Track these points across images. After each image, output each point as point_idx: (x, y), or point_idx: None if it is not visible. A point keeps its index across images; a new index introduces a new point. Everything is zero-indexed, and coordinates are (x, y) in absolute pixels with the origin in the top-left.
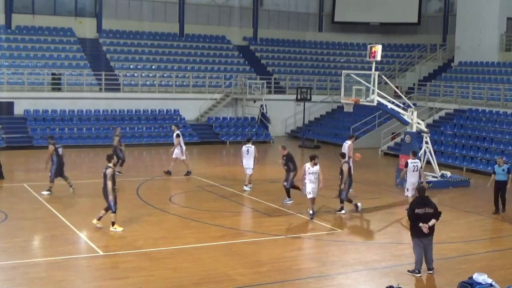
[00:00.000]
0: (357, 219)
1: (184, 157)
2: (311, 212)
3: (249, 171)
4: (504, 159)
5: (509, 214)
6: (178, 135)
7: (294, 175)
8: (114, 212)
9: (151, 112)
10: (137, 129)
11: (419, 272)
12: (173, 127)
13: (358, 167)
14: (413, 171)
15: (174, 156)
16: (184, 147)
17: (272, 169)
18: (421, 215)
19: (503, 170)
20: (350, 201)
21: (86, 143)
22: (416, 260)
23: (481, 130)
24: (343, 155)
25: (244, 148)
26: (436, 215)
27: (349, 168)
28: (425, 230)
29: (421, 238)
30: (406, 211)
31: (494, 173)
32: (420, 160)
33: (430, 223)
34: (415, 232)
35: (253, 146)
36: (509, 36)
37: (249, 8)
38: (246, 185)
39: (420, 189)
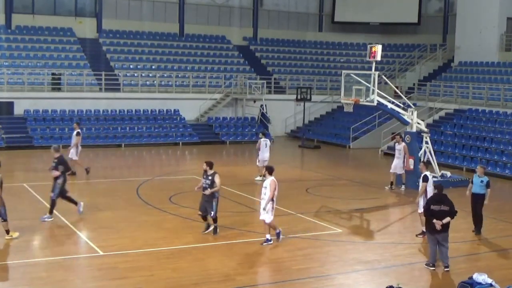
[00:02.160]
0: (357, 219)
1: (77, 158)
2: (267, 236)
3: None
4: (485, 168)
5: (508, 215)
6: (78, 133)
7: (64, 183)
8: (6, 220)
9: (151, 112)
10: (137, 129)
11: (433, 266)
12: (75, 124)
13: (358, 166)
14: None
15: (70, 156)
16: (80, 148)
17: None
18: (436, 212)
19: (482, 181)
20: (216, 220)
21: (86, 143)
22: (430, 254)
23: (481, 130)
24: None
25: (263, 142)
26: (452, 213)
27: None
28: (438, 226)
29: (435, 234)
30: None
31: (472, 182)
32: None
33: (444, 221)
34: (429, 228)
35: (268, 140)
36: (509, 36)
37: (249, 8)
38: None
39: (438, 186)
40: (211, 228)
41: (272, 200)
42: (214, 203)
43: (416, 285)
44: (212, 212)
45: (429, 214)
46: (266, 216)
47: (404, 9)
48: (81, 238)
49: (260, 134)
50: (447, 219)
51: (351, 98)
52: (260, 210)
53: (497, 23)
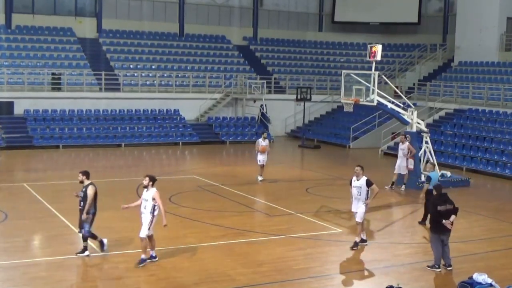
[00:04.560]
0: None
1: None
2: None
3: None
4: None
5: (508, 215)
6: None
7: None
8: None
9: (151, 112)
10: (137, 129)
11: (439, 267)
12: None
13: None
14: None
15: None
16: None
17: (272, 169)
18: (443, 212)
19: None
20: (94, 237)
21: (86, 143)
22: (435, 256)
23: (481, 130)
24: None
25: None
26: (456, 211)
27: (96, 193)
28: (449, 226)
29: (442, 234)
30: (420, 223)
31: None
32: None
33: (451, 219)
34: (437, 229)
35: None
36: (509, 36)
37: (249, 8)
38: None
39: (437, 186)
40: (105, 247)
41: (153, 215)
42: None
43: (416, 285)
44: (83, 230)
45: (437, 215)
46: (148, 231)
47: (404, 9)
48: (81, 238)
49: (265, 134)
50: (453, 217)
51: (351, 98)
52: (142, 227)
53: (497, 23)
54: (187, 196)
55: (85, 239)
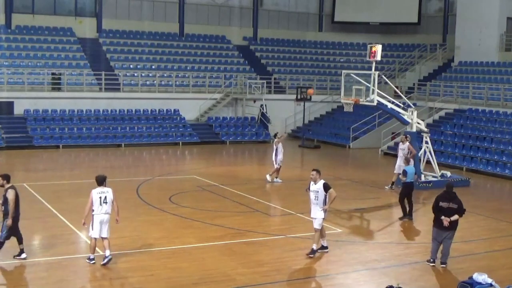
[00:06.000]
0: (357, 219)
1: None
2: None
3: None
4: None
5: (508, 215)
6: None
7: None
8: None
9: (151, 112)
10: (137, 129)
11: (434, 262)
12: None
13: (358, 166)
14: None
15: None
16: None
17: (272, 169)
18: (444, 209)
19: None
20: (20, 241)
21: (86, 143)
22: (431, 250)
23: (481, 130)
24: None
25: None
26: (460, 211)
27: (17, 196)
28: (446, 223)
29: (441, 230)
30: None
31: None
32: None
33: (452, 218)
34: (436, 223)
35: None
36: (509, 36)
37: (249, 8)
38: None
39: (447, 185)
40: (23, 255)
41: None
42: (4, 224)
43: (416, 285)
44: (1, 234)
45: (437, 210)
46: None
47: (404, 9)
48: (81, 238)
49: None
50: (456, 216)
51: (351, 98)
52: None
53: (497, 23)
54: (187, 196)
55: (20, 241)
